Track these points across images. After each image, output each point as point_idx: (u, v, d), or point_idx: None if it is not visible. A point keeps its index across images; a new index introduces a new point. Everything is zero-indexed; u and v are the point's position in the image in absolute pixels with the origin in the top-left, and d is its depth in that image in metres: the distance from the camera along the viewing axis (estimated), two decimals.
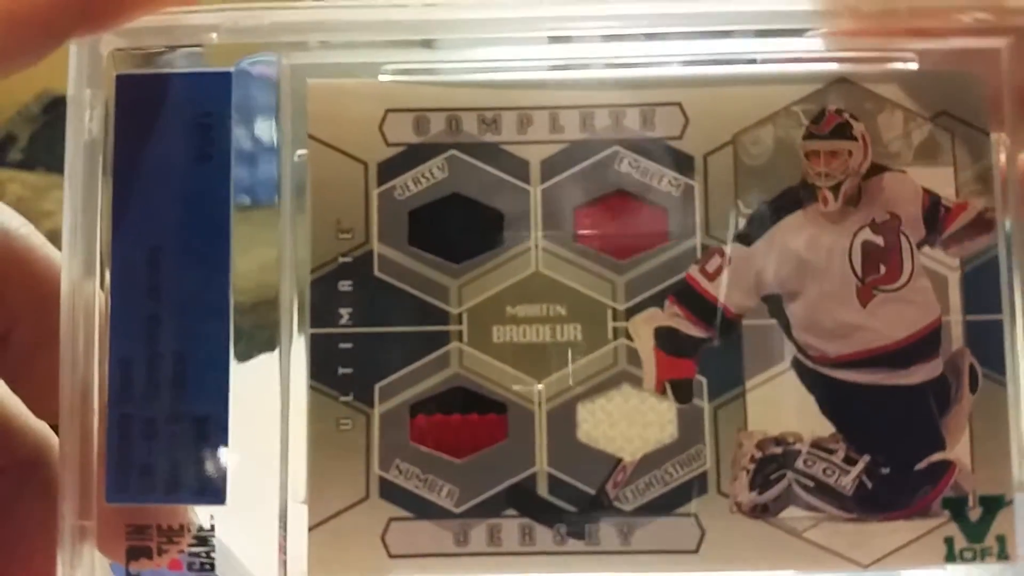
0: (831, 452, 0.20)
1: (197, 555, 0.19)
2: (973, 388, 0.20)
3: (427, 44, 0.21)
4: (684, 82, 0.20)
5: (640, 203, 0.20)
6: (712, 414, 0.20)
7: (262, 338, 0.20)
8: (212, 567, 0.19)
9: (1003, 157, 0.20)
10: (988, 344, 0.20)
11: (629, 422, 0.20)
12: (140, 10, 0.19)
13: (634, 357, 0.20)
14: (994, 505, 0.20)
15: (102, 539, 0.19)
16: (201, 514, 0.19)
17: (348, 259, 0.20)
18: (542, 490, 0.20)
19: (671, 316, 0.20)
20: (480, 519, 0.20)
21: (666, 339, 0.20)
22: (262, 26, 0.20)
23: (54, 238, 0.20)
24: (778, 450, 0.20)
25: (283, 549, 0.19)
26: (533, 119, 0.20)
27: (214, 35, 0.20)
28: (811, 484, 0.20)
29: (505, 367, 0.20)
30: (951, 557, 0.20)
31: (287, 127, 0.20)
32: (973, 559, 0.20)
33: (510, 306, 0.20)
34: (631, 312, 0.20)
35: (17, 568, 0.19)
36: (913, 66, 0.20)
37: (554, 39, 0.21)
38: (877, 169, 0.20)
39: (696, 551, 0.20)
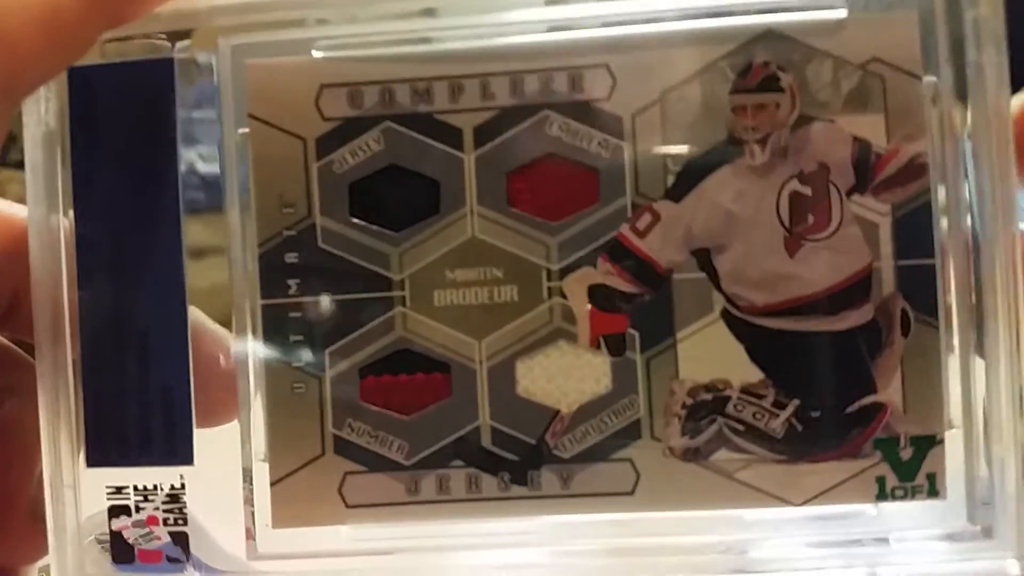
0: (760, 397, 0.21)
1: (171, 511, 0.21)
2: (905, 332, 0.20)
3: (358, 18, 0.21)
4: (610, 44, 0.21)
5: (571, 165, 0.21)
6: (645, 365, 0.21)
7: (217, 312, 0.21)
8: (185, 522, 0.21)
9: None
10: (920, 288, 0.20)
11: (565, 376, 0.21)
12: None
13: (569, 315, 0.21)
14: (925, 444, 0.20)
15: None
16: (172, 475, 0.21)
17: (293, 232, 0.21)
18: (486, 442, 0.21)
19: (604, 274, 0.21)
20: (429, 470, 0.21)
21: (599, 296, 0.21)
22: (200, 11, 0.21)
23: None
24: (708, 396, 0.21)
25: (249, 502, 0.21)
26: (464, 87, 0.21)
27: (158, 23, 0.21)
28: (741, 428, 0.21)
29: (447, 329, 0.21)
30: (882, 495, 0.20)
31: (229, 107, 0.21)
32: (904, 497, 0.20)
33: (449, 271, 0.21)
34: (565, 272, 0.21)
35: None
36: (842, 13, 0.20)
37: (484, 7, 0.21)
38: (805, 120, 0.20)
39: (632, 493, 0.21)
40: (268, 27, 0.21)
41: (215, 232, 0.21)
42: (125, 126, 0.21)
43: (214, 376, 0.21)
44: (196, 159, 0.21)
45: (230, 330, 0.21)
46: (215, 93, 0.21)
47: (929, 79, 0.20)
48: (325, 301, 0.21)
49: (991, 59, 0.20)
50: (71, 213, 0.21)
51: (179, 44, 0.21)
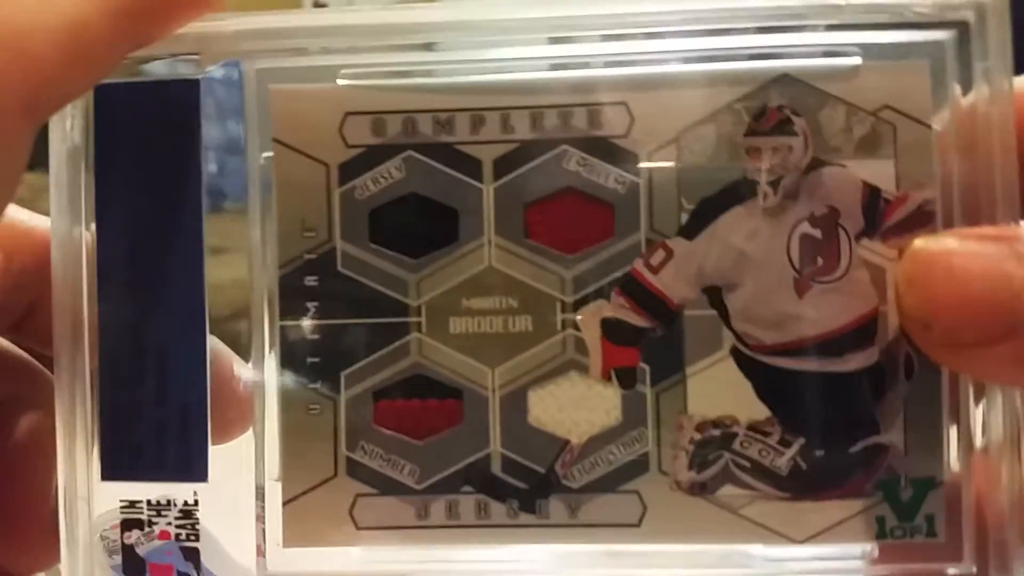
0: (767, 435, 0.21)
1: (183, 527, 0.21)
2: (909, 375, 0.21)
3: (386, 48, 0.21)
4: (629, 82, 0.21)
5: (587, 200, 0.21)
6: (654, 399, 0.21)
7: (235, 331, 0.21)
8: (197, 538, 0.21)
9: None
10: None
11: (576, 407, 0.21)
12: (184, 18, 0.20)
13: (581, 346, 0.21)
14: (925, 486, 0.21)
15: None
16: (185, 491, 0.21)
17: (313, 256, 0.21)
18: (496, 469, 0.21)
19: (617, 308, 0.21)
20: (439, 495, 0.21)
21: (612, 329, 0.21)
22: (226, 34, 0.21)
23: None
24: (716, 432, 0.21)
25: (261, 520, 0.21)
26: (485, 120, 0.21)
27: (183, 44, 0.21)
28: (747, 464, 0.21)
29: (461, 356, 0.21)
30: (882, 534, 0.21)
31: (254, 130, 0.21)
32: (903, 536, 0.21)
33: (465, 299, 0.21)
34: (578, 304, 0.21)
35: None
36: (856, 60, 0.21)
37: (506, 42, 0.21)
38: (818, 163, 0.21)
39: (638, 525, 0.21)
40: (291, 53, 0.22)
41: (229, 232, 0.22)
42: (150, 144, 0.21)
43: (225, 396, 0.21)
44: (221, 182, 0.22)
45: (248, 348, 0.21)
46: (240, 116, 0.21)
47: (937, 127, 0.21)
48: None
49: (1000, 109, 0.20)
50: (93, 227, 0.21)
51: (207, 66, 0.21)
